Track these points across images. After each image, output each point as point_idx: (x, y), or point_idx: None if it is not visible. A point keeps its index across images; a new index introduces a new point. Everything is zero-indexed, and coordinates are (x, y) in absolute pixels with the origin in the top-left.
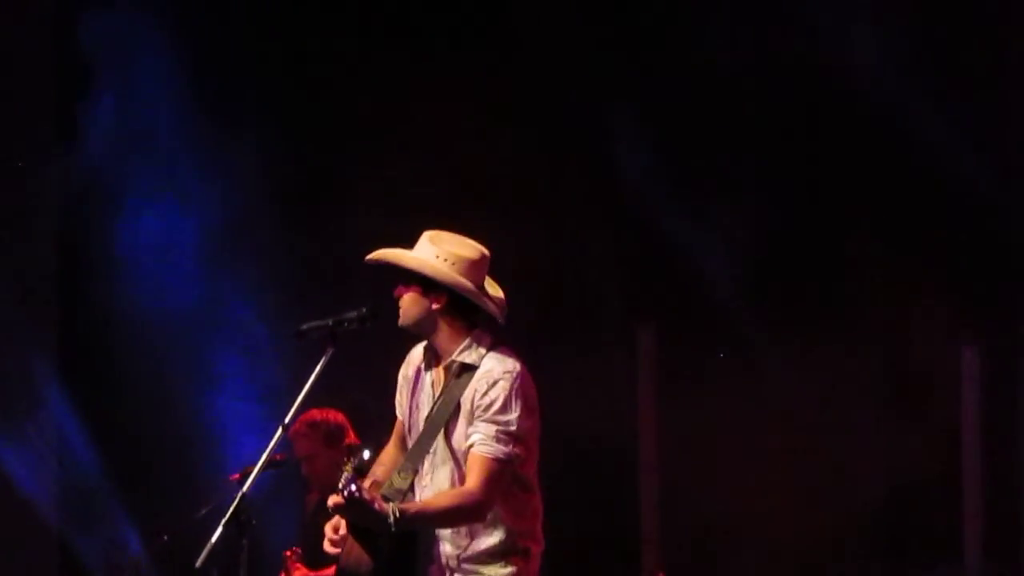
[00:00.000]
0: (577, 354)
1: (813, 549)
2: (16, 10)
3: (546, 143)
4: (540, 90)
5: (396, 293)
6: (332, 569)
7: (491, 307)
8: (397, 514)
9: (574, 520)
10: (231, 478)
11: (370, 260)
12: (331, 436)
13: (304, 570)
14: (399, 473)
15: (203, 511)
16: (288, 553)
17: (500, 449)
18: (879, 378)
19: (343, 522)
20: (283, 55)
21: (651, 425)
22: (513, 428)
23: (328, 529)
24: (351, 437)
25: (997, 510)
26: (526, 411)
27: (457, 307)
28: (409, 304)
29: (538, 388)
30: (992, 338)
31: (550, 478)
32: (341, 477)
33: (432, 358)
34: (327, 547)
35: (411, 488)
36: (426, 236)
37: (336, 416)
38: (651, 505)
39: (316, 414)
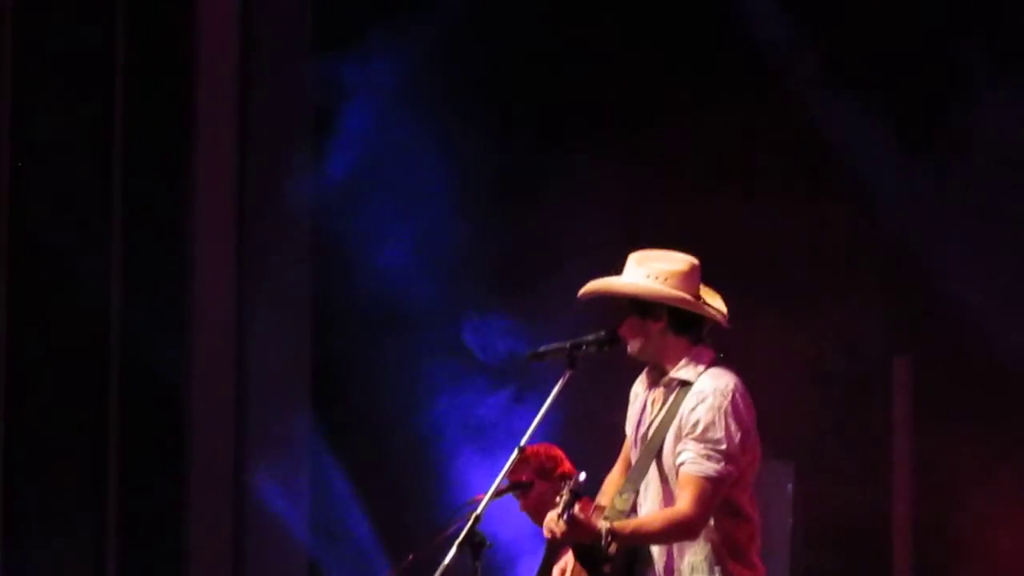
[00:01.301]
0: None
1: None
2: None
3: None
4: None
5: (620, 333)
6: None
7: (712, 312)
8: (611, 533)
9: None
10: (476, 498)
11: (583, 295)
12: (542, 470)
13: None
14: (621, 495)
15: (449, 531)
16: None
17: (711, 467)
18: None
19: (570, 563)
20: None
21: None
22: (723, 447)
23: (556, 573)
24: (566, 467)
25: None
26: (739, 430)
27: (678, 324)
28: (631, 332)
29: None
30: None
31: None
32: (560, 501)
33: (657, 377)
34: None
35: (633, 509)
36: (632, 259)
37: (549, 449)
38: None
39: (529, 448)
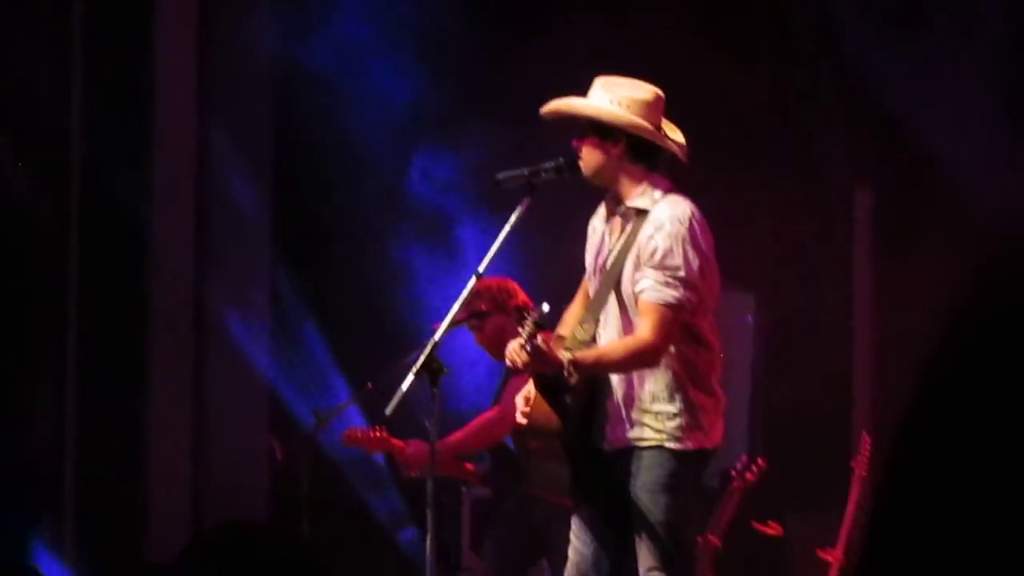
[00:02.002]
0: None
1: None
2: None
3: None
4: None
5: (574, 145)
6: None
7: (671, 146)
8: (572, 363)
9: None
10: (434, 326)
11: (545, 113)
12: (497, 302)
13: (399, 442)
14: (581, 325)
15: (407, 359)
16: (375, 434)
17: (670, 294)
18: None
19: (532, 390)
20: None
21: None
22: (682, 274)
23: (519, 400)
24: (520, 300)
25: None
26: (697, 257)
27: (636, 152)
28: (589, 154)
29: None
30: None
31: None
32: (523, 331)
33: (614, 208)
34: (519, 418)
35: (593, 339)
36: (598, 83)
37: (502, 282)
38: (864, 367)
39: (481, 282)
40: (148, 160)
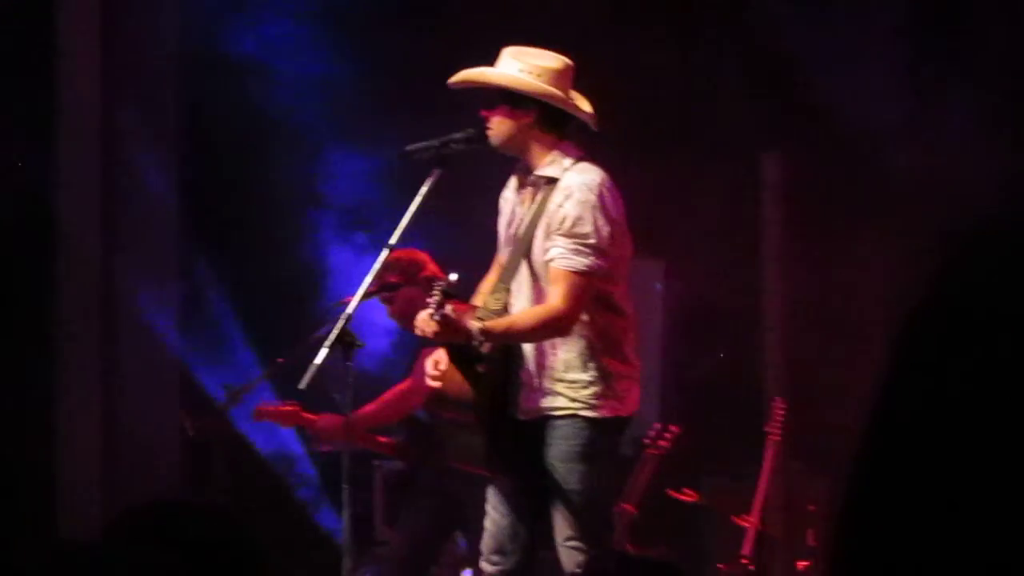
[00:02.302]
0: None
1: None
2: None
3: None
4: None
5: (483, 115)
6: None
7: (582, 114)
8: (483, 332)
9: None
10: (345, 300)
11: (453, 83)
12: (407, 273)
13: (311, 415)
14: (493, 295)
15: (318, 333)
16: (286, 408)
17: (581, 261)
18: None
19: (444, 356)
20: None
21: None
22: (592, 241)
23: (428, 364)
24: (430, 270)
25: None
26: (607, 224)
27: (547, 120)
28: (499, 123)
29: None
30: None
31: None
32: (432, 301)
33: (524, 177)
34: (428, 382)
35: (506, 308)
36: (507, 52)
37: (412, 254)
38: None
39: (391, 253)
40: (54, 144)
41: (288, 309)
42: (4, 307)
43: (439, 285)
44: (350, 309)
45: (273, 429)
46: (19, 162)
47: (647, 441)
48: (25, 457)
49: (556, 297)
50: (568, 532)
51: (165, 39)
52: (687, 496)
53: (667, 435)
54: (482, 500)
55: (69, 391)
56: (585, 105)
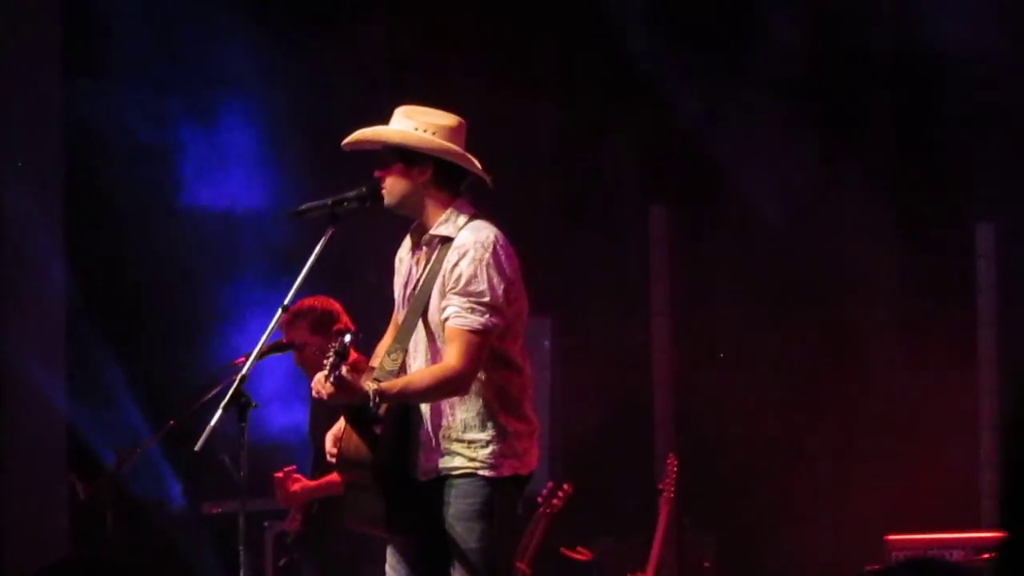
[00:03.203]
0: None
1: None
2: None
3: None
4: None
5: (378, 175)
6: (333, 475)
7: (478, 169)
8: (378, 393)
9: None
10: (237, 361)
11: (347, 145)
12: (318, 324)
13: (304, 481)
14: (389, 355)
15: (209, 395)
16: (279, 475)
17: (476, 320)
18: None
19: (342, 427)
20: None
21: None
22: (487, 299)
23: (328, 440)
24: (343, 323)
25: None
26: (502, 281)
27: (442, 178)
28: (394, 183)
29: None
30: None
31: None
32: (327, 363)
33: (418, 238)
34: (328, 458)
35: (402, 368)
36: (400, 111)
37: (325, 303)
38: (664, 388)
39: (303, 302)
40: None
41: (178, 371)
42: None
43: (333, 347)
44: (245, 370)
45: (158, 493)
46: None
47: (540, 499)
48: None
49: (452, 356)
50: None
51: (51, 114)
52: (581, 555)
53: (560, 493)
54: (381, 560)
55: None
56: (475, 164)
